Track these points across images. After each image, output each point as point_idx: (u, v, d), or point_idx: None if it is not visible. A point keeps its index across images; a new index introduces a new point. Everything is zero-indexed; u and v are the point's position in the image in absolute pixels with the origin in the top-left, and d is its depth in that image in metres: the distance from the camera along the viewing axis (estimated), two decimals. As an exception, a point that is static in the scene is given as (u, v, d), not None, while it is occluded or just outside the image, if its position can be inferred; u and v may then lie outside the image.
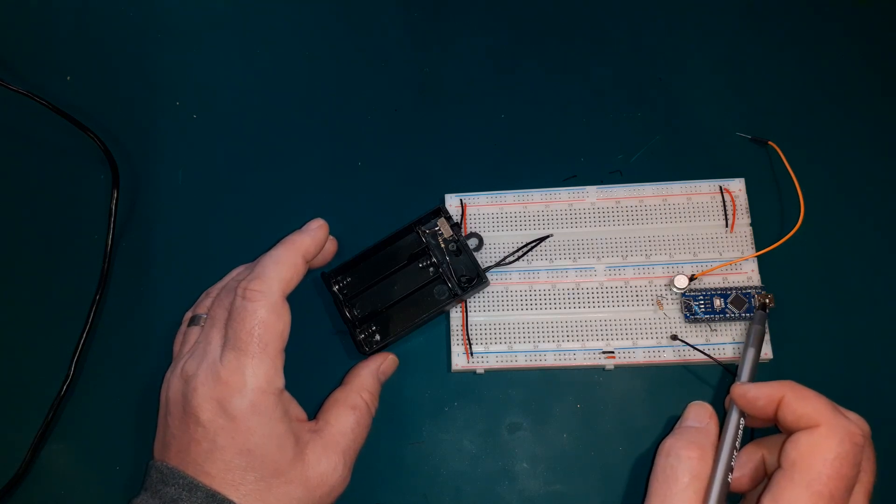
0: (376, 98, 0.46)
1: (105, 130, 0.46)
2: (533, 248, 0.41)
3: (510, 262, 0.41)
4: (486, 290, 0.41)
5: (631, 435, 0.39)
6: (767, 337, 0.39)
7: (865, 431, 0.31)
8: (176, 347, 0.38)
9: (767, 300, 0.39)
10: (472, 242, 0.41)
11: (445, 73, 0.46)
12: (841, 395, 0.38)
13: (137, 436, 0.40)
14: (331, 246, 0.40)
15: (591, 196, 0.42)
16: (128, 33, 0.49)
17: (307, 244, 0.36)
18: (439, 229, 0.40)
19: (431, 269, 0.40)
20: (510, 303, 0.40)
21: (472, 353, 0.40)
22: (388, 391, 0.38)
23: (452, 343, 0.40)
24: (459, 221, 0.41)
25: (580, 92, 0.45)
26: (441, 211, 0.41)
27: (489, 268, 0.41)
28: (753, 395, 0.32)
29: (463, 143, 0.45)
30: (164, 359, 0.41)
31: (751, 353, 0.36)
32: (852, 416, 0.32)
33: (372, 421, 0.37)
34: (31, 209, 0.45)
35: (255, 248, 0.41)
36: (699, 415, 0.35)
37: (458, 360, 0.40)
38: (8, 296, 0.43)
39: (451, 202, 0.43)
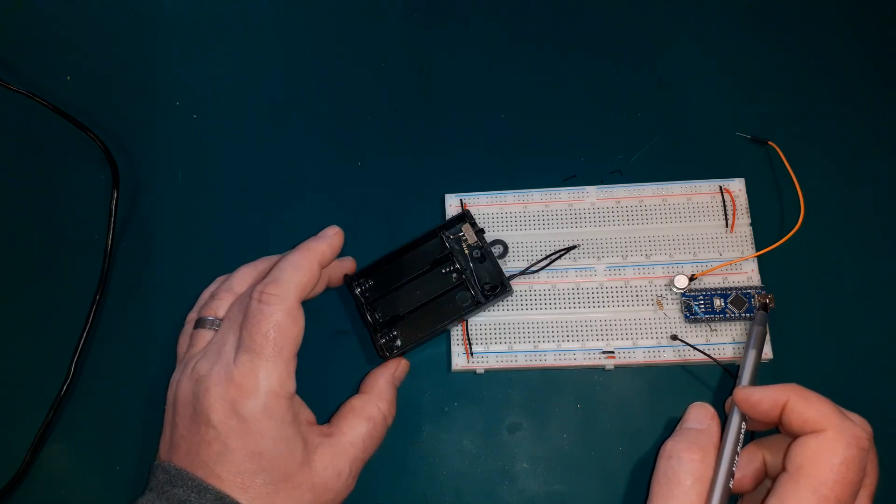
0: (376, 98, 0.46)
1: (105, 130, 0.46)
2: (557, 258, 0.40)
3: (534, 272, 0.40)
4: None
5: (631, 435, 0.39)
6: (767, 337, 0.39)
7: (870, 435, 0.31)
8: (181, 349, 0.37)
9: (768, 300, 0.39)
10: (497, 249, 0.41)
11: (445, 73, 0.46)
12: (841, 395, 0.38)
13: (137, 436, 0.40)
14: (349, 264, 0.40)
15: (591, 196, 0.42)
16: (128, 33, 0.49)
17: (323, 250, 0.36)
18: (463, 235, 0.40)
19: (454, 274, 0.40)
20: (510, 303, 0.40)
21: (472, 353, 0.40)
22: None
23: (452, 343, 0.40)
24: (481, 230, 0.41)
25: (580, 92, 0.45)
26: (466, 216, 0.40)
27: (513, 276, 0.40)
28: (757, 398, 0.32)
29: (463, 143, 0.45)
30: (164, 359, 0.41)
31: (752, 354, 0.36)
32: (856, 418, 0.32)
33: (387, 431, 0.37)
34: (31, 209, 0.45)
35: (254, 247, 0.41)
36: (700, 416, 0.35)
37: (458, 360, 0.40)
38: (8, 296, 0.43)
39: (451, 202, 0.43)
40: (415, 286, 0.40)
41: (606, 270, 0.41)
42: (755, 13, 0.46)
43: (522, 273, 0.40)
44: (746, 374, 0.35)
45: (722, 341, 0.39)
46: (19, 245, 0.44)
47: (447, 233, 0.41)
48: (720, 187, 0.42)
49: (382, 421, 0.36)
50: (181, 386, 0.34)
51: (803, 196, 0.41)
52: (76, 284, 0.43)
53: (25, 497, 0.39)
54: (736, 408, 0.33)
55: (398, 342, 0.39)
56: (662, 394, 0.39)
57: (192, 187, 0.45)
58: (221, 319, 0.36)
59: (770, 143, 0.43)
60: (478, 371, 0.40)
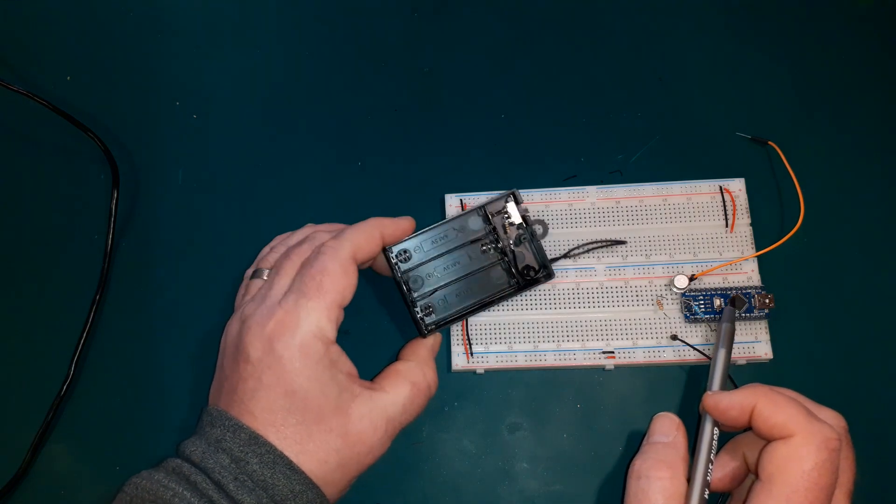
0: (376, 98, 0.46)
1: (105, 130, 0.46)
2: (603, 247, 0.40)
3: (575, 256, 0.40)
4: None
5: (631, 435, 0.39)
6: (767, 337, 0.39)
7: (841, 432, 0.31)
8: (238, 300, 0.39)
9: (768, 300, 0.39)
10: (538, 229, 0.40)
11: (445, 73, 0.46)
12: (840, 394, 0.38)
13: (137, 436, 0.40)
14: (407, 224, 0.40)
15: (592, 196, 0.42)
16: (128, 33, 0.49)
17: (388, 224, 0.38)
18: (508, 214, 0.40)
19: (495, 253, 0.40)
20: (510, 302, 0.40)
21: (472, 353, 0.40)
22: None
23: (452, 343, 0.40)
24: (526, 210, 0.40)
25: (580, 92, 0.45)
26: (513, 195, 0.40)
27: (554, 259, 0.40)
28: (726, 405, 0.32)
29: (463, 143, 0.45)
30: (164, 358, 0.41)
31: (721, 354, 0.36)
32: (828, 414, 0.32)
33: (428, 401, 0.37)
34: (31, 209, 0.45)
35: (255, 247, 0.41)
36: (666, 428, 0.34)
37: (458, 360, 0.40)
38: (8, 296, 0.43)
39: (452, 202, 0.43)
40: (453, 260, 0.39)
41: (606, 270, 0.41)
42: (755, 13, 0.46)
43: (565, 256, 0.40)
44: (717, 377, 0.35)
45: (722, 341, 0.39)
46: (19, 245, 0.44)
47: (490, 210, 0.40)
48: (720, 187, 0.42)
49: (426, 388, 0.36)
50: (229, 329, 0.36)
51: (803, 196, 0.41)
52: (76, 284, 0.43)
53: (25, 497, 0.39)
54: (707, 414, 0.33)
55: (433, 317, 0.39)
56: (662, 394, 0.39)
57: (192, 187, 0.45)
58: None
59: (770, 143, 0.43)
60: (478, 371, 0.40)
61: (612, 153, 0.44)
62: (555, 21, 0.47)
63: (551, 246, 0.41)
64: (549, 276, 0.39)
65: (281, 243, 0.39)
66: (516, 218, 0.40)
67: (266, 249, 0.40)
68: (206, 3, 0.50)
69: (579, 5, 0.47)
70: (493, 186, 0.43)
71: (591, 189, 0.42)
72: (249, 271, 0.39)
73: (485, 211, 0.40)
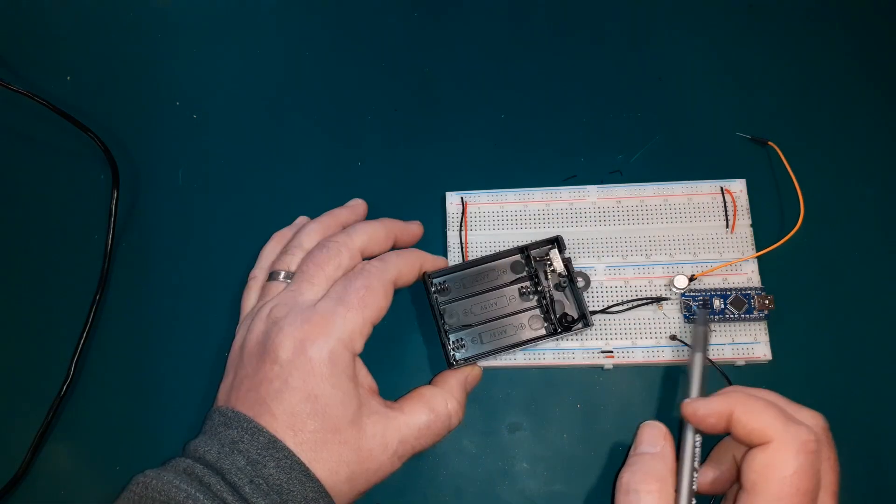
0: (376, 98, 0.46)
1: (105, 130, 0.46)
2: (646, 304, 0.40)
3: (616, 312, 0.40)
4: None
5: (631, 435, 0.38)
6: (766, 338, 0.39)
7: (819, 433, 0.30)
8: (247, 303, 0.39)
9: (768, 301, 0.39)
10: (580, 281, 0.40)
11: (445, 73, 0.46)
12: (840, 395, 0.38)
13: (137, 436, 0.40)
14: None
15: (592, 195, 0.42)
16: (128, 33, 0.49)
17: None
18: (550, 261, 0.40)
19: (533, 296, 0.40)
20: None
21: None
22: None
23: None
24: (569, 259, 0.40)
25: (580, 92, 0.45)
26: (557, 242, 0.40)
27: (594, 312, 0.39)
28: (703, 413, 0.31)
29: (463, 143, 0.45)
30: (165, 359, 0.41)
31: (698, 358, 0.35)
32: (806, 414, 0.31)
33: (447, 433, 0.36)
34: (31, 209, 0.45)
35: (255, 247, 0.41)
36: (653, 438, 0.34)
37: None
38: (8, 296, 0.43)
39: (452, 200, 0.43)
40: (490, 299, 0.40)
41: (606, 270, 0.41)
42: (755, 13, 0.46)
43: (604, 311, 0.39)
44: (695, 382, 0.34)
45: (721, 342, 0.39)
46: (19, 245, 0.44)
47: (534, 253, 0.40)
48: (721, 188, 0.41)
49: (447, 418, 0.36)
50: (254, 329, 0.35)
51: (803, 196, 0.41)
52: (76, 284, 0.43)
53: (25, 497, 0.39)
54: (689, 423, 0.32)
55: (462, 351, 0.39)
56: (661, 394, 0.39)
57: (192, 187, 0.45)
58: (293, 272, 0.37)
59: (770, 143, 0.43)
60: (478, 371, 0.40)
61: (612, 153, 0.44)
62: (555, 21, 0.47)
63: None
64: (587, 325, 0.38)
65: (294, 245, 0.39)
66: (558, 265, 0.40)
67: (268, 251, 0.40)
68: (206, 3, 0.50)
69: (579, 5, 0.47)
70: (494, 185, 0.43)
71: (592, 188, 0.42)
72: (259, 273, 0.39)
73: (527, 253, 0.40)
